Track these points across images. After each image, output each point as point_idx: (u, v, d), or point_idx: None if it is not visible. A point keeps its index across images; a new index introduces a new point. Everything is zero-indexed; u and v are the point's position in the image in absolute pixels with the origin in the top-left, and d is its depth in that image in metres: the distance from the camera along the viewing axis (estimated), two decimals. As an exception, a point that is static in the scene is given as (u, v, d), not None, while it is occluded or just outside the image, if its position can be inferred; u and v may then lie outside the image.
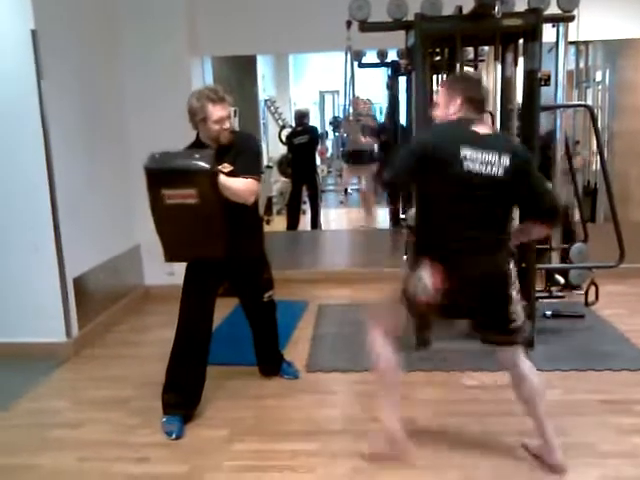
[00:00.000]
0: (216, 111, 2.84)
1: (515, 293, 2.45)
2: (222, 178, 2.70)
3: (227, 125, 2.89)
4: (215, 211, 2.66)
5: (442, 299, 2.38)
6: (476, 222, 2.39)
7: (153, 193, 2.62)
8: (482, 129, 2.42)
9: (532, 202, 2.47)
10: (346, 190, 10.63)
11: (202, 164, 2.58)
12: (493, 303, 2.46)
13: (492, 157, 2.32)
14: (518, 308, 2.46)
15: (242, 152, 2.94)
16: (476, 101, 2.50)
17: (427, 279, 2.36)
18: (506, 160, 2.33)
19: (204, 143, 2.94)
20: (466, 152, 2.32)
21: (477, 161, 2.32)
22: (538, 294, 3.91)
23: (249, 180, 2.84)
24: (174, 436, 2.88)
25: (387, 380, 2.57)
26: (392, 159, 2.49)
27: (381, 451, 2.59)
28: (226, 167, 2.81)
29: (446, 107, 2.50)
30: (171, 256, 2.79)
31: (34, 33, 3.63)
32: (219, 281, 3.11)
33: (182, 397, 3.00)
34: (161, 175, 2.60)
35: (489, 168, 2.32)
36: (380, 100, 10.40)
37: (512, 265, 2.46)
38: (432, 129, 2.67)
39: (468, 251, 2.39)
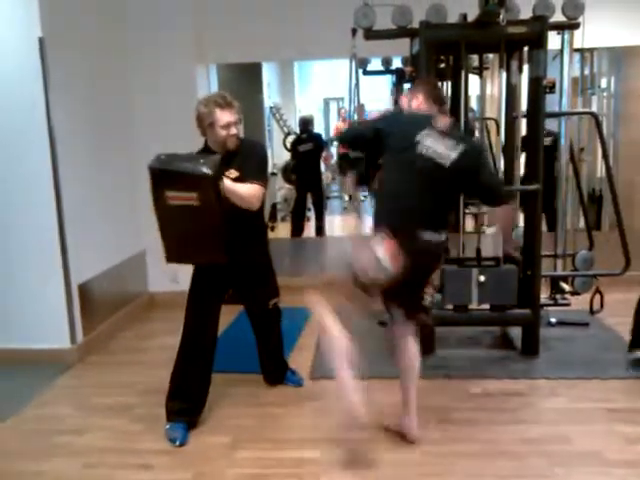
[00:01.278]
0: (224, 116, 2.86)
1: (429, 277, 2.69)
2: (228, 183, 2.71)
3: (234, 131, 2.90)
4: (215, 217, 2.67)
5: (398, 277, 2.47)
6: (425, 206, 2.55)
7: (156, 193, 2.64)
8: (441, 123, 2.62)
9: (481, 191, 2.76)
10: (350, 197, 10.61)
11: (204, 170, 2.59)
12: (423, 278, 2.67)
13: (445, 148, 2.53)
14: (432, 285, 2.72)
15: (249, 158, 2.95)
16: (435, 95, 2.79)
17: (385, 259, 2.43)
18: (457, 153, 2.53)
19: (212, 149, 2.95)
20: (421, 139, 2.53)
21: (430, 149, 2.52)
22: (543, 302, 3.90)
23: (255, 186, 2.85)
24: (178, 443, 2.87)
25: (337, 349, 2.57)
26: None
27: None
28: (232, 173, 2.82)
29: (409, 104, 2.79)
30: (172, 257, 2.80)
31: (41, 41, 3.66)
32: (225, 288, 3.11)
33: (186, 404, 2.99)
34: (164, 176, 2.61)
35: (440, 157, 2.52)
36: (385, 107, 10.39)
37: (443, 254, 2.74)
38: (394, 113, 2.93)
39: (410, 229, 2.52)
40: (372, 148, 2.73)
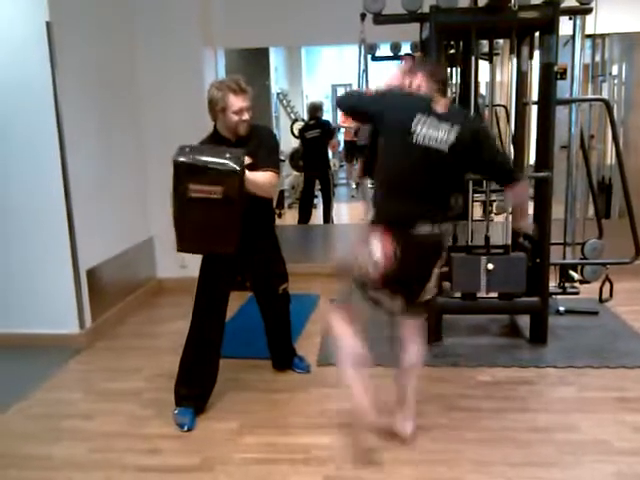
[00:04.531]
0: (237, 101, 2.84)
1: (438, 269, 2.59)
2: (248, 174, 2.70)
3: (246, 116, 2.89)
4: (236, 210, 2.67)
5: (391, 272, 2.42)
6: (422, 191, 2.48)
7: (178, 185, 2.62)
8: (440, 103, 2.52)
9: (487, 169, 2.70)
10: (357, 185, 10.59)
11: (233, 165, 2.59)
12: (422, 273, 2.57)
13: (441, 132, 2.43)
14: (433, 283, 2.61)
15: (261, 145, 2.94)
16: (436, 75, 2.63)
17: (377, 254, 2.40)
18: (454, 135, 2.43)
19: (222, 135, 2.94)
20: (418, 122, 2.43)
21: (427, 132, 2.43)
22: (552, 290, 3.89)
23: (270, 173, 2.85)
24: (186, 428, 2.89)
25: (353, 365, 2.54)
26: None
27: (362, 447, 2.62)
28: (246, 160, 2.81)
29: (409, 84, 2.64)
30: (183, 247, 2.79)
31: (49, 25, 3.64)
32: (234, 274, 3.11)
33: (195, 389, 3.00)
34: (191, 170, 2.60)
35: (437, 143, 2.42)
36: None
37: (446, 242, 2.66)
38: (391, 94, 2.69)
39: (413, 220, 2.45)
40: (367, 123, 2.70)
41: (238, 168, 2.60)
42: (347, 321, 2.55)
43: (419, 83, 2.60)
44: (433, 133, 2.42)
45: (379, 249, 2.40)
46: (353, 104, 2.76)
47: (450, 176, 2.56)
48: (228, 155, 2.63)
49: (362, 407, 2.51)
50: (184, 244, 2.76)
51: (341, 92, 13.00)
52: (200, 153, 2.65)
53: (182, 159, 2.59)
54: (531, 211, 3.88)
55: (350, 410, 2.59)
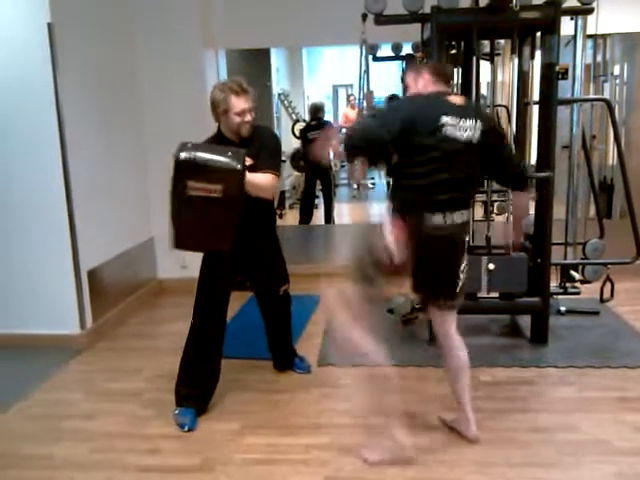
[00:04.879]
0: (239, 103, 2.84)
1: (465, 258, 2.60)
2: (247, 175, 2.69)
3: (249, 118, 2.89)
4: (235, 209, 2.67)
5: (406, 264, 2.39)
6: (454, 185, 2.47)
7: (177, 182, 2.61)
8: (455, 99, 2.55)
9: (503, 167, 2.67)
10: (359, 185, 10.58)
11: (234, 164, 2.59)
12: (449, 265, 2.56)
13: (469, 123, 2.45)
14: (463, 275, 2.60)
15: (264, 146, 2.94)
16: (442, 73, 2.64)
17: (390, 241, 2.37)
18: (480, 125, 2.47)
19: (225, 136, 2.94)
20: (446, 119, 2.43)
21: (456, 127, 2.44)
22: (553, 290, 3.88)
23: (270, 175, 2.85)
24: (186, 428, 2.89)
25: (381, 376, 2.47)
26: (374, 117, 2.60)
27: (382, 458, 2.58)
28: (247, 161, 2.81)
29: (415, 84, 2.65)
30: (179, 244, 2.78)
31: (50, 26, 3.64)
32: (234, 274, 3.11)
33: (195, 390, 3.00)
34: (191, 167, 2.59)
35: (468, 132, 2.45)
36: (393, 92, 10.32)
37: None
38: (410, 100, 2.71)
39: (443, 210, 2.45)
40: (388, 148, 2.45)
41: (239, 167, 2.60)
42: (347, 308, 2.50)
43: (425, 81, 2.60)
44: (460, 124, 2.43)
45: (391, 239, 2.37)
46: (370, 134, 2.44)
47: (476, 171, 2.57)
48: (229, 153, 2.63)
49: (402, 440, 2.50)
50: (179, 241, 2.75)
51: (342, 92, 13.01)
52: (201, 150, 2.64)
53: (183, 156, 2.59)
54: (532, 211, 3.88)
55: (373, 374, 2.49)
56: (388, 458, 2.56)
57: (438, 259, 2.51)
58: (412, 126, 2.41)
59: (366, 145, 2.46)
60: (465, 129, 2.44)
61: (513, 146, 3.79)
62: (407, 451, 2.53)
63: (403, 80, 6.83)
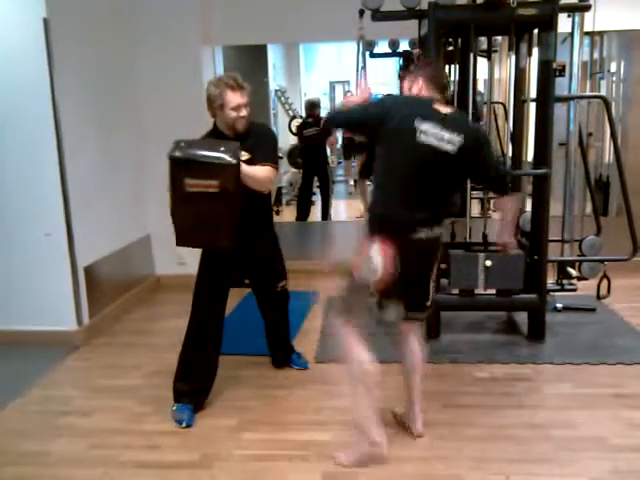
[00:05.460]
0: (235, 98, 2.84)
1: (435, 272, 2.60)
2: (244, 167, 2.70)
3: (244, 113, 2.89)
4: (233, 203, 2.67)
5: (392, 280, 2.41)
6: (423, 195, 2.45)
7: (175, 180, 2.62)
8: (442, 107, 2.49)
9: (484, 173, 2.62)
10: (355, 181, 10.57)
11: (228, 158, 2.59)
12: (421, 279, 2.56)
13: (446, 133, 2.40)
14: (432, 287, 2.61)
15: (260, 140, 2.95)
16: (436, 80, 2.60)
17: (377, 260, 2.37)
18: (459, 138, 2.41)
19: (221, 131, 2.94)
20: (421, 124, 2.40)
21: (431, 135, 2.40)
22: (550, 287, 3.89)
23: (268, 167, 2.85)
24: (184, 424, 2.89)
25: (364, 380, 2.48)
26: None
27: (358, 457, 2.57)
28: (244, 155, 2.81)
29: (409, 90, 2.62)
30: (182, 241, 2.79)
31: (46, 22, 3.63)
32: (233, 270, 3.11)
33: (193, 386, 3.01)
34: (186, 165, 2.60)
35: (442, 143, 2.40)
36: (391, 90, 10.33)
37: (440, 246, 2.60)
38: (394, 97, 2.74)
39: (413, 224, 2.43)
40: (367, 133, 2.63)
41: (233, 161, 2.60)
42: (354, 333, 2.51)
43: (419, 88, 2.58)
44: (438, 133, 2.39)
45: (379, 258, 2.37)
46: (348, 117, 2.66)
47: (452, 178, 2.55)
48: (223, 148, 2.63)
49: (373, 435, 2.51)
50: (182, 238, 2.76)
51: (339, 88, 12.98)
52: (195, 147, 2.65)
53: (177, 154, 2.60)
54: (529, 209, 3.89)
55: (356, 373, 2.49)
56: (358, 459, 2.55)
57: (411, 262, 2.46)
58: (386, 119, 2.44)
59: (343, 122, 2.73)
60: (444, 140, 2.39)
61: (510, 145, 3.81)
62: (380, 450, 2.53)
63: (400, 77, 6.85)
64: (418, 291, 2.60)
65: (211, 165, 2.60)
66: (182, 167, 2.61)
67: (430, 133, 2.40)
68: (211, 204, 2.63)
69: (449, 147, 2.40)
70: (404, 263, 2.41)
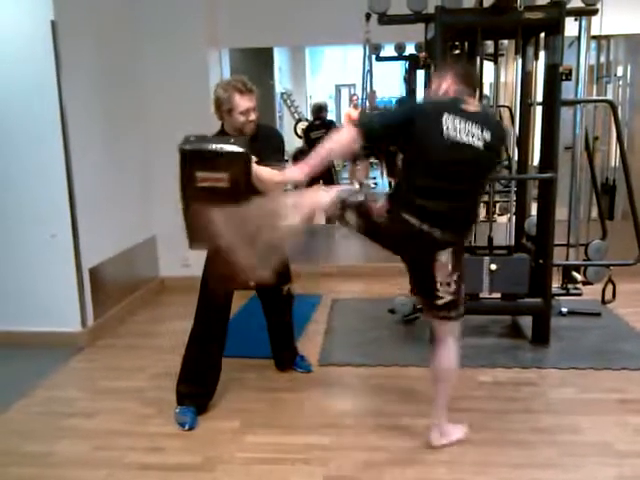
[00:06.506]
0: (243, 102, 2.84)
1: (448, 270, 2.47)
2: (255, 166, 2.68)
3: (253, 117, 2.88)
4: (244, 198, 2.65)
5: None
6: (449, 191, 2.39)
7: (186, 175, 2.60)
8: (471, 105, 2.47)
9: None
10: (361, 184, 10.55)
11: (237, 147, 2.58)
12: (425, 272, 2.50)
13: (476, 128, 2.38)
14: (448, 286, 2.49)
15: (267, 144, 2.94)
16: (466, 78, 2.57)
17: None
18: (490, 132, 2.39)
19: (229, 134, 2.93)
20: (449, 121, 2.37)
21: (459, 131, 2.37)
22: (554, 291, 3.88)
23: (275, 170, 2.83)
24: (186, 427, 2.89)
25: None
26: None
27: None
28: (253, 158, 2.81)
29: (438, 87, 2.59)
30: (195, 242, 2.76)
31: (54, 24, 3.65)
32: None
33: (197, 388, 3.00)
34: (196, 157, 2.59)
35: (471, 138, 2.37)
36: (397, 94, 10.33)
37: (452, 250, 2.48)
38: (421, 101, 2.76)
39: (435, 218, 2.37)
40: (400, 135, 2.48)
41: (242, 150, 2.58)
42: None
43: (448, 86, 2.55)
44: (466, 128, 2.37)
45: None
46: (382, 121, 2.54)
47: (480, 175, 2.51)
48: (232, 140, 2.62)
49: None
50: (194, 240, 2.73)
51: (345, 92, 12.97)
52: (205, 141, 2.64)
53: (187, 147, 2.59)
54: (534, 212, 3.88)
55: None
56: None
57: (406, 241, 2.44)
58: (416, 118, 2.41)
59: (380, 127, 2.50)
60: (471, 130, 2.36)
61: (516, 148, 3.80)
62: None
63: (406, 80, 6.86)
64: (427, 286, 2.53)
65: (220, 155, 2.58)
66: (192, 160, 2.59)
67: (459, 126, 2.37)
68: (223, 201, 2.62)
69: (480, 141, 2.38)
70: (398, 244, 2.45)
